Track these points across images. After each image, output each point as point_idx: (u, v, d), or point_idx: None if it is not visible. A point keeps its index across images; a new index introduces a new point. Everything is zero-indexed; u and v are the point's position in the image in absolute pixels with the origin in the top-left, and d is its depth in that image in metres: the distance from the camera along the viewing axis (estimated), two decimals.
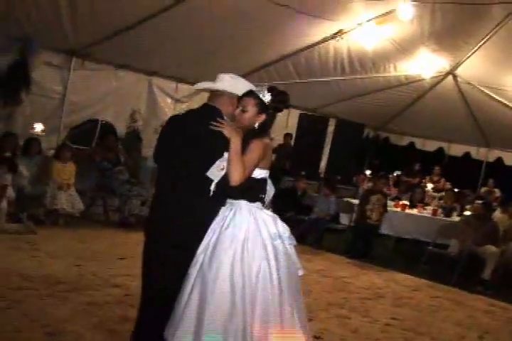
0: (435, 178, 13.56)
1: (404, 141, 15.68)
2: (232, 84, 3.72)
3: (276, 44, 10.00)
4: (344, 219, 10.18)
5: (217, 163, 3.42)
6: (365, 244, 9.32)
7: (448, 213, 9.98)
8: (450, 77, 11.88)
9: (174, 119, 3.82)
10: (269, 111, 3.58)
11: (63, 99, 9.49)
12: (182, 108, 10.62)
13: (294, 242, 3.57)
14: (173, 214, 3.56)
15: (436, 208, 9.96)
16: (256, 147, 3.44)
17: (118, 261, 6.88)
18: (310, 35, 9.82)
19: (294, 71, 11.05)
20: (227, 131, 3.41)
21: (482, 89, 11.65)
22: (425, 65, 11.00)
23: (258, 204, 3.55)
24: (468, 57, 10.89)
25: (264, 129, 3.61)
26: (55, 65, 9.29)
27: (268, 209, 3.68)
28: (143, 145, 10.64)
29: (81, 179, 9.02)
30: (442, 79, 12.05)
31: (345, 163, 12.56)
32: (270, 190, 3.69)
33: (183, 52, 9.64)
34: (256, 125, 3.56)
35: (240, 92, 3.64)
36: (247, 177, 3.39)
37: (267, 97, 3.55)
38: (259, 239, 3.40)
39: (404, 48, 10.48)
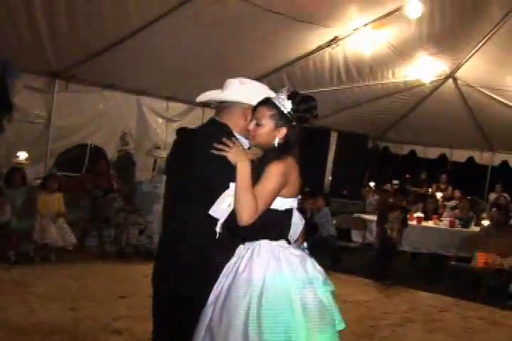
0: (442, 186, 12.89)
1: (405, 150, 14.92)
2: (242, 91, 3.00)
3: (270, 55, 9.36)
4: (356, 237, 9.37)
5: (222, 197, 2.70)
6: (384, 264, 8.53)
7: (465, 224, 9.26)
8: (450, 81, 11.25)
9: (182, 136, 3.23)
10: (292, 123, 2.80)
11: (48, 124, 8.72)
12: (174, 128, 10.09)
13: (332, 287, 2.77)
14: (174, 257, 2.89)
15: (453, 219, 9.21)
16: (273, 172, 2.68)
17: (118, 300, 6.02)
18: (304, 43, 9.20)
19: (289, 83, 10.35)
20: (230, 154, 2.71)
21: (483, 90, 11.02)
22: (425, 69, 10.37)
23: (282, 242, 2.80)
24: (469, 58, 10.30)
25: (287, 147, 2.80)
26: (37, 88, 8.58)
27: (299, 246, 2.91)
28: (136, 169, 9.91)
29: (72, 209, 8.22)
30: (442, 83, 11.42)
31: (351, 177, 11.79)
32: (298, 223, 2.91)
33: (171, 69, 8.92)
34: (276, 142, 2.79)
35: (253, 101, 2.88)
36: (263, 212, 2.66)
37: (287, 106, 2.78)
38: (282, 289, 2.64)
39: (402, 53, 9.89)
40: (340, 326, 2.78)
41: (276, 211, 2.75)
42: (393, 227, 8.54)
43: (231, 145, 2.74)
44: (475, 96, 11.37)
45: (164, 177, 9.35)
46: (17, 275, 6.78)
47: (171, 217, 3.05)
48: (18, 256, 7.36)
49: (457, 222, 9.22)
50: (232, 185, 2.68)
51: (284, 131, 2.78)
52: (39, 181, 8.22)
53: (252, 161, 2.76)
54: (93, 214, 8.70)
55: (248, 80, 3.09)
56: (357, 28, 8.92)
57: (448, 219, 9.38)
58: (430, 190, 12.90)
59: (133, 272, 7.02)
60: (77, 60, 8.31)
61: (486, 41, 9.65)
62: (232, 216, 2.65)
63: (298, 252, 2.80)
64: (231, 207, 2.66)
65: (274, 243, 2.76)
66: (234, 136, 2.92)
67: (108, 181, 8.96)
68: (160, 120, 10.31)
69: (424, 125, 13.07)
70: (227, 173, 2.68)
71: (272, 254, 2.72)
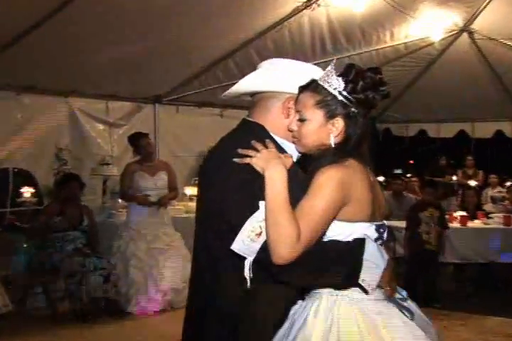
0: (469, 171, 12.42)
1: (412, 130, 14.31)
2: (276, 75, 2.66)
3: (233, 28, 8.81)
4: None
5: (247, 224, 2.25)
6: (426, 282, 7.94)
7: None
8: (464, 35, 10.61)
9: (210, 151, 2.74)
10: (351, 109, 2.38)
11: None
12: (120, 134, 9.59)
13: None
14: (202, 322, 2.51)
15: (508, 215, 8.68)
16: (323, 181, 2.25)
17: None
18: (276, 7, 8.59)
19: (260, 61, 9.79)
20: (256, 160, 2.33)
21: (509, 43, 10.49)
22: (431, 24, 9.86)
23: (354, 291, 2.33)
24: (487, 4, 9.70)
25: (347, 146, 2.40)
26: None
27: (389, 296, 2.40)
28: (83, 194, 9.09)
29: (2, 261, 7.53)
30: (454, 40, 10.83)
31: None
32: (377, 260, 2.33)
33: (106, 58, 8.31)
34: (331, 140, 2.38)
35: (294, 87, 2.50)
36: (312, 244, 2.21)
37: (337, 85, 2.38)
38: None
39: (402, 6, 9.29)
40: None
41: (337, 242, 2.32)
42: (429, 230, 8.01)
43: (260, 147, 2.38)
44: (498, 51, 10.78)
45: (120, 202, 8.94)
46: None
47: (194, 274, 2.69)
48: None
49: None
50: (262, 204, 2.26)
51: (340, 122, 2.39)
52: None
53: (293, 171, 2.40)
54: (35, 263, 7.93)
55: (285, 60, 2.80)
56: None
57: (500, 215, 8.87)
58: (455, 177, 12.43)
59: (105, 337, 6.29)
60: None
61: None
62: (266, 251, 2.21)
63: (380, 306, 2.33)
64: (262, 238, 2.23)
65: (340, 294, 2.32)
66: (271, 139, 2.54)
67: (79, 213, 8.21)
68: (100, 126, 9.68)
69: (435, 96, 12.53)
70: (255, 189, 2.29)
71: (342, 312, 2.29)
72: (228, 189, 2.36)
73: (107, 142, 9.57)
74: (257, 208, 2.26)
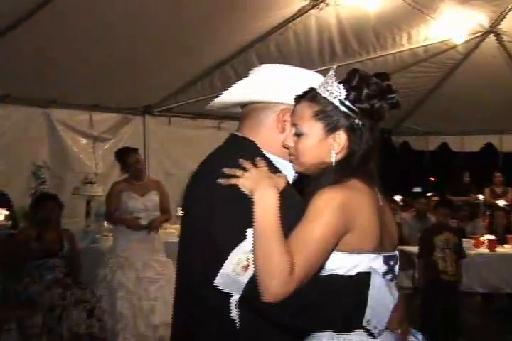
0: (498, 190, 12.35)
1: (433, 144, 14.30)
2: (268, 83, 2.57)
3: (231, 31, 8.85)
4: (405, 281, 8.69)
5: (232, 255, 2.18)
6: (446, 316, 7.82)
7: None
8: (491, 37, 10.62)
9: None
10: (354, 121, 2.31)
11: None
12: (106, 149, 9.67)
13: None
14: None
15: None
16: (321, 206, 2.17)
17: None
18: (279, 7, 8.61)
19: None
20: (244, 180, 2.28)
21: None
22: (454, 24, 9.85)
23: (358, 334, 2.22)
24: None
25: (351, 163, 2.33)
26: None
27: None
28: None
29: None
30: (480, 42, 10.82)
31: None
32: (384, 295, 2.21)
33: (92, 64, 8.38)
34: (333, 157, 2.32)
35: (288, 97, 2.45)
36: (305, 279, 2.11)
37: (337, 93, 2.32)
38: None
39: (420, 5, 9.30)
40: None
41: (337, 277, 2.23)
42: (445, 257, 7.87)
43: (248, 166, 2.32)
44: None
45: (105, 225, 8.88)
46: None
47: (177, 306, 2.62)
48: None
49: None
50: (250, 232, 2.19)
51: (342, 136, 2.33)
52: None
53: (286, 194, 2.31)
54: (8, 295, 7.83)
55: (280, 65, 2.71)
56: None
57: None
58: (481, 197, 12.37)
59: None
60: None
61: None
62: (253, 287, 2.11)
63: None
64: (249, 272, 2.14)
65: (342, 338, 2.23)
66: (263, 156, 2.50)
67: (58, 238, 7.97)
68: (83, 140, 9.78)
69: (458, 106, 12.51)
70: (241, 215, 2.22)
71: None
72: (214, 202, 2.31)
73: (90, 158, 9.61)
74: (243, 231, 2.19)
